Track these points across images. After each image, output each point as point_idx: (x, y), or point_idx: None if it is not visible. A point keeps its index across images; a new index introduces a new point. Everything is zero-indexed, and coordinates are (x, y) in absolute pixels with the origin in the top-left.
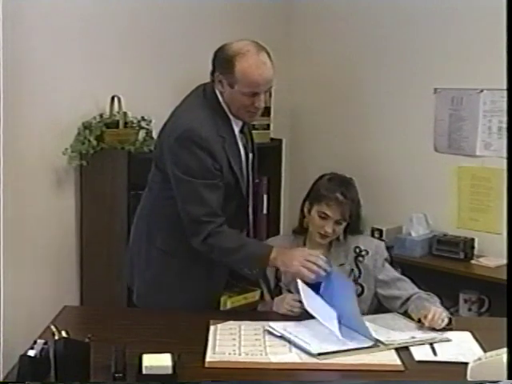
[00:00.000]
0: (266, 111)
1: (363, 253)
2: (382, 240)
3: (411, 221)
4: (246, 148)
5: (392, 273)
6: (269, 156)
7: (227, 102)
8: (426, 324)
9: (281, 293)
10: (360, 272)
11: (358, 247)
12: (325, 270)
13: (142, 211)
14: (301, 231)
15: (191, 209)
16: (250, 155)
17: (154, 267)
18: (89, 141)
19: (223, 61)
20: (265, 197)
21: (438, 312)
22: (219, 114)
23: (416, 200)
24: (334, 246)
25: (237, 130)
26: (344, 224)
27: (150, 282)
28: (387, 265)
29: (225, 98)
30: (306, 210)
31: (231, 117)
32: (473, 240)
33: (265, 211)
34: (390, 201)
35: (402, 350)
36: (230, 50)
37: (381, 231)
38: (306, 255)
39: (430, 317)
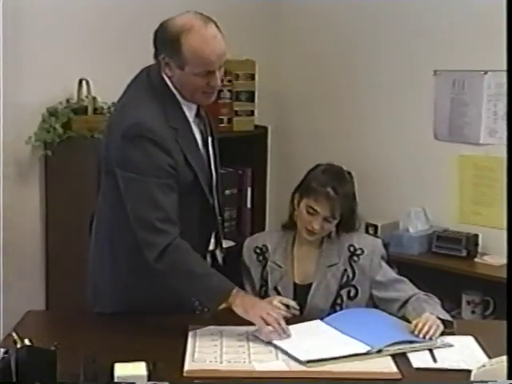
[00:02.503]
0: (250, 96)
1: (358, 252)
2: (377, 237)
3: (409, 215)
4: (203, 133)
5: (390, 273)
6: (253, 145)
7: (178, 86)
8: (416, 333)
9: (267, 294)
10: (354, 273)
11: (352, 245)
12: (284, 332)
13: (98, 225)
14: (291, 226)
15: (143, 212)
16: (210, 140)
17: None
18: (54, 128)
19: (167, 41)
20: (249, 190)
21: (430, 319)
22: (168, 101)
23: (414, 192)
24: (325, 243)
25: (191, 116)
26: (334, 222)
27: (116, 283)
28: (384, 264)
29: (174, 82)
30: (295, 201)
31: (183, 102)
32: (476, 236)
33: (249, 205)
34: (385, 194)
35: (399, 357)
36: (173, 28)
37: (376, 227)
38: (270, 309)
39: (420, 326)
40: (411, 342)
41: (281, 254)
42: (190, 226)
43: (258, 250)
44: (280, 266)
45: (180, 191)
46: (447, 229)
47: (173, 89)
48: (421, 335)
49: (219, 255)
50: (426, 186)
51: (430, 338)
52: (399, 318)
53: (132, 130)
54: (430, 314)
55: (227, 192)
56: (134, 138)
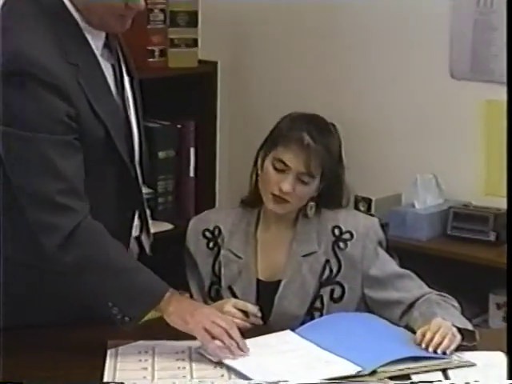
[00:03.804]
0: (192, 19)
1: (346, 236)
2: (372, 215)
3: (415, 185)
4: (115, 72)
5: (389, 266)
6: (196, 88)
7: (81, 7)
8: (424, 346)
9: (220, 296)
10: (340, 265)
11: (337, 227)
12: (237, 346)
13: None
14: (254, 201)
15: (35, 183)
16: (127, 81)
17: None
18: None
19: None
20: (191, 152)
21: (443, 327)
22: (66, 27)
23: (422, 154)
24: (300, 224)
25: (97, 47)
26: (312, 185)
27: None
28: (382, 253)
29: (75, 1)
30: (259, 163)
31: (86, 28)
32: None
33: (191, 173)
34: (382, 156)
35: (401, 380)
36: None
37: (368, 202)
38: (217, 317)
39: (429, 336)
40: (417, 359)
41: (239, 240)
42: (102, 205)
43: (207, 234)
44: (238, 257)
45: (86, 155)
46: (468, 203)
47: (73, 10)
48: (430, 349)
49: (146, 243)
50: (439, 144)
51: (444, 353)
52: (402, 327)
53: (11, 64)
54: (443, 319)
55: (161, 155)
56: (15, 76)
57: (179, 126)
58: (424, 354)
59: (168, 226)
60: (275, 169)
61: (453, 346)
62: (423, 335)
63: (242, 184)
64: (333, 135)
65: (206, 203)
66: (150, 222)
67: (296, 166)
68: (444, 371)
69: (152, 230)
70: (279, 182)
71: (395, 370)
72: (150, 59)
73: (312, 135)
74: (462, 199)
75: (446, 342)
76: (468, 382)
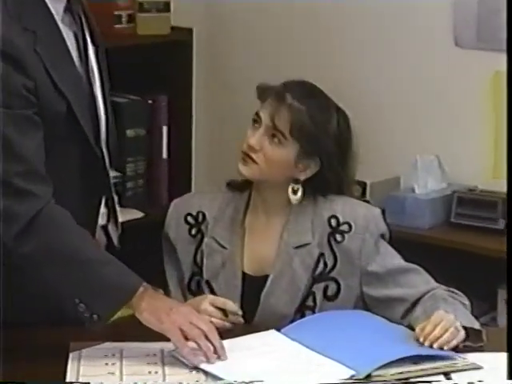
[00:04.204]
0: None
1: (343, 227)
2: (366, 200)
3: (415, 167)
4: (78, 40)
5: (392, 260)
6: (169, 59)
7: None
8: (421, 339)
9: (200, 289)
10: (336, 259)
11: (334, 217)
12: (215, 350)
13: None
14: (242, 185)
15: None
16: (91, 50)
17: None
18: None
19: None
20: (164, 130)
21: (445, 320)
22: None
23: (422, 132)
24: (293, 212)
25: (58, 12)
26: (286, 150)
27: None
28: (384, 247)
29: None
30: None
31: None
32: None
33: (164, 154)
34: (378, 135)
35: None
36: None
37: (363, 186)
38: (195, 316)
39: (428, 329)
40: (417, 361)
41: (225, 228)
42: (64, 190)
43: (190, 220)
44: (223, 246)
45: (46, 133)
46: (474, 187)
47: None
48: (427, 343)
49: (113, 233)
50: (441, 121)
51: (441, 349)
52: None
53: None
54: (446, 312)
55: (130, 134)
56: None
57: (150, 101)
58: (425, 352)
59: (138, 214)
60: (253, 124)
61: (455, 342)
62: (422, 329)
63: (222, 166)
64: (327, 97)
65: (181, 188)
66: (117, 209)
67: (265, 118)
68: (447, 374)
69: (120, 219)
70: (249, 137)
71: (393, 373)
72: (117, 25)
73: (295, 94)
74: (468, 183)
75: (447, 335)
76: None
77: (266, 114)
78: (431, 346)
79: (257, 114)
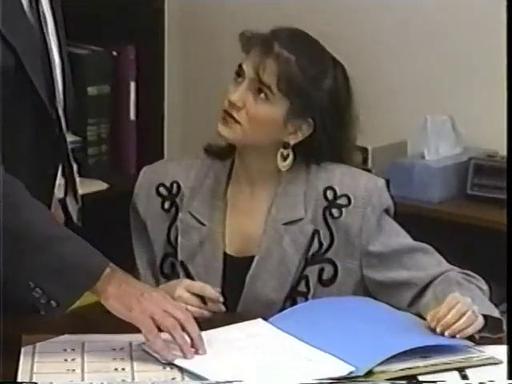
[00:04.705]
0: None
1: (341, 200)
2: (367, 169)
3: (424, 129)
4: None
5: (397, 238)
6: (137, 2)
7: None
8: (433, 325)
9: (174, 272)
10: (332, 237)
11: (331, 189)
12: (194, 346)
13: None
14: (223, 151)
15: None
16: None
17: None
18: None
19: None
20: (132, 86)
21: (461, 302)
22: None
23: (433, 88)
24: (283, 183)
25: None
26: (274, 107)
27: None
28: (389, 225)
29: None
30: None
31: None
32: None
33: (132, 116)
34: (381, 92)
35: (408, 382)
36: None
37: (364, 152)
38: (169, 304)
39: (441, 313)
40: (426, 354)
41: (204, 201)
42: (14, 157)
43: (163, 191)
44: (201, 223)
45: None
46: (494, 153)
47: None
48: (438, 329)
49: (72, 208)
50: (456, 76)
51: (453, 336)
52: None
53: None
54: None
55: (91, 91)
56: None
57: (115, 52)
58: (436, 343)
59: (101, 186)
60: (235, 78)
61: (471, 329)
62: (435, 315)
63: (200, 128)
64: (322, 48)
65: (152, 155)
66: (77, 180)
67: (249, 71)
68: (461, 370)
69: (80, 191)
70: (231, 93)
71: (398, 369)
72: None
73: (284, 42)
74: (486, 147)
75: (463, 320)
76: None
77: (249, 66)
78: (443, 335)
79: (240, 66)
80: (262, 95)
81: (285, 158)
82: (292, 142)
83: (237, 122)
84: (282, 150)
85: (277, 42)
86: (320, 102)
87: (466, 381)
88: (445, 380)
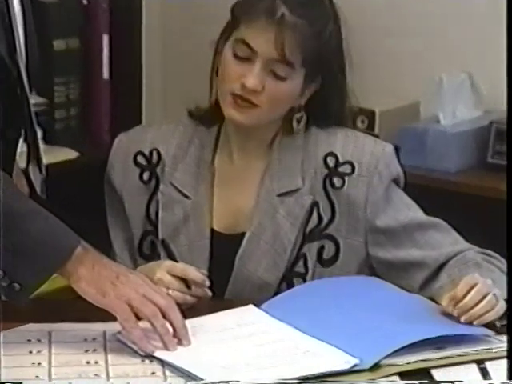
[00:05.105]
0: None
1: (344, 168)
2: (374, 134)
3: (439, 89)
4: None
5: (407, 212)
6: None
7: None
8: (450, 310)
9: (155, 253)
10: (333, 210)
11: (332, 155)
12: (177, 336)
13: None
14: (210, 115)
15: None
16: None
17: None
18: None
19: None
20: (105, 40)
21: (480, 283)
22: None
23: (449, 41)
24: (277, 149)
25: None
26: (292, 82)
27: None
28: (398, 196)
29: None
30: (218, 54)
31: None
32: None
33: (105, 74)
34: (389, 47)
35: (420, 377)
36: None
37: (371, 116)
38: (148, 288)
39: (459, 294)
40: (440, 344)
41: (188, 171)
42: None
43: (141, 160)
44: (185, 195)
45: None
46: None
47: None
48: (456, 312)
49: (36, 179)
50: (475, 28)
51: (471, 324)
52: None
53: None
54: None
55: (58, 45)
56: None
57: (85, 0)
58: (452, 331)
59: (71, 154)
60: (237, 57)
61: (492, 315)
62: (452, 298)
63: (183, 88)
64: (324, 7)
65: (128, 120)
66: (41, 147)
67: (264, 48)
68: (480, 363)
69: (46, 160)
70: (242, 75)
71: (408, 362)
72: None
73: (292, 8)
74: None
75: (483, 304)
76: None
77: (260, 43)
78: (460, 322)
79: (244, 42)
80: (280, 72)
81: (298, 121)
82: (303, 103)
83: (254, 106)
84: (297, 114)
85: (284, 7)
86: (330, 58)
87: (485, 376)
88: (461, 374)
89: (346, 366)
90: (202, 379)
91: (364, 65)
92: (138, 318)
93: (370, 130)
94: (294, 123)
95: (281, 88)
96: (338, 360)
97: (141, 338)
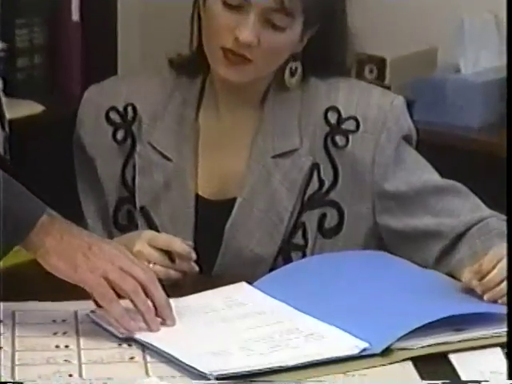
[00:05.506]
0: None
1: (347, 124)
2: (384, 86)
3: (461, 34)
4: None
5: (421, 174)
6: None
7: None
8: (473, 285)
9: (132, 223)
10: (336, 173)
11: (333, 109)
12: (157, 312)
13: None
14: (193, 65)
15: None
16: None
17: None
18: None
19: None
20: None
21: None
22: None
23: None
24: (271, 104)
25: None
26: (290, 33)
27: None
28: (410, 154)
29: None
30: (201, 1)
31: None
32: None
33: (75, 15)
34: None
35: (435, 364)
36: None
37: (381, 64)
38: (126, 260)
39: (484, 269)
40: (459, 326)
41: (168, 130)
42: None
43: (114, 117)
44: (165, 157)
45: None
46: None
47: None
48: (479, 288)
49: None
50: None
51: (495, 301)
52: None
53: None
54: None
55: None
56: None
57: None
58: (473, 309)
59: (35, 108)
60: (227, 5)
61: None
62: (475, 272)
63: (163, 33)
64: None
65: (101, 68)
66: (2, 100)
67: None
68: (505, 347)
69: (8, 115)
70: (234, 27)
71: (423, 346)
72: None
73: None
74: None
75: (505, 283)
76: None
77: None
78: (483, 300)
79: None
80: (277, 22)
81: (293, 73)
82: (300, 50)
83: (248, 61)
84: (293, 64)
85: None
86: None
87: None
88: (484, 359)
89: (354, 351)
90: (189, 365)
91: (374, 7)
92: (118, 295)
93: (379, 80)
94: (287, 75)
95: (278, 40)
96: (346, 344)
97: (122, 315)
